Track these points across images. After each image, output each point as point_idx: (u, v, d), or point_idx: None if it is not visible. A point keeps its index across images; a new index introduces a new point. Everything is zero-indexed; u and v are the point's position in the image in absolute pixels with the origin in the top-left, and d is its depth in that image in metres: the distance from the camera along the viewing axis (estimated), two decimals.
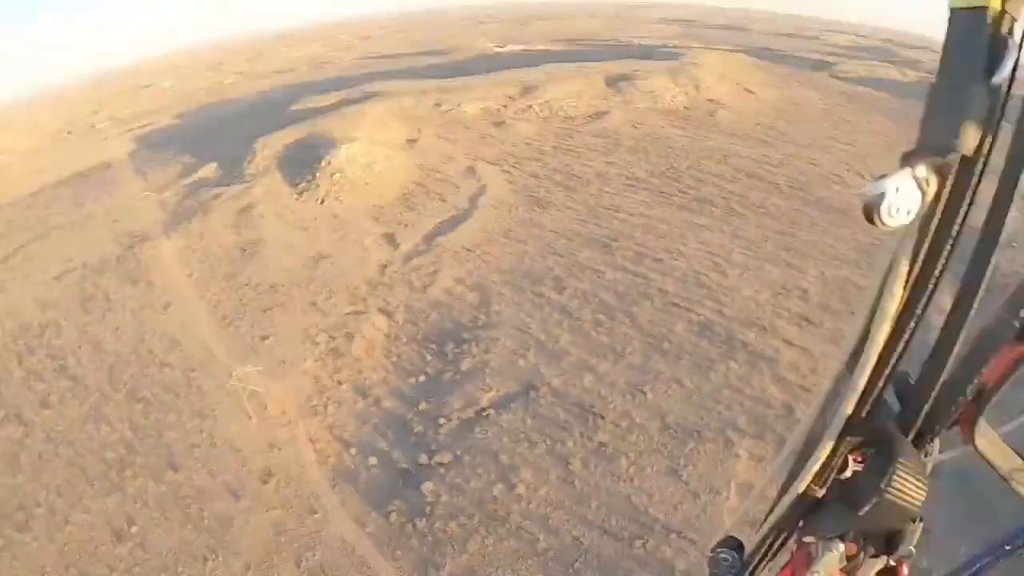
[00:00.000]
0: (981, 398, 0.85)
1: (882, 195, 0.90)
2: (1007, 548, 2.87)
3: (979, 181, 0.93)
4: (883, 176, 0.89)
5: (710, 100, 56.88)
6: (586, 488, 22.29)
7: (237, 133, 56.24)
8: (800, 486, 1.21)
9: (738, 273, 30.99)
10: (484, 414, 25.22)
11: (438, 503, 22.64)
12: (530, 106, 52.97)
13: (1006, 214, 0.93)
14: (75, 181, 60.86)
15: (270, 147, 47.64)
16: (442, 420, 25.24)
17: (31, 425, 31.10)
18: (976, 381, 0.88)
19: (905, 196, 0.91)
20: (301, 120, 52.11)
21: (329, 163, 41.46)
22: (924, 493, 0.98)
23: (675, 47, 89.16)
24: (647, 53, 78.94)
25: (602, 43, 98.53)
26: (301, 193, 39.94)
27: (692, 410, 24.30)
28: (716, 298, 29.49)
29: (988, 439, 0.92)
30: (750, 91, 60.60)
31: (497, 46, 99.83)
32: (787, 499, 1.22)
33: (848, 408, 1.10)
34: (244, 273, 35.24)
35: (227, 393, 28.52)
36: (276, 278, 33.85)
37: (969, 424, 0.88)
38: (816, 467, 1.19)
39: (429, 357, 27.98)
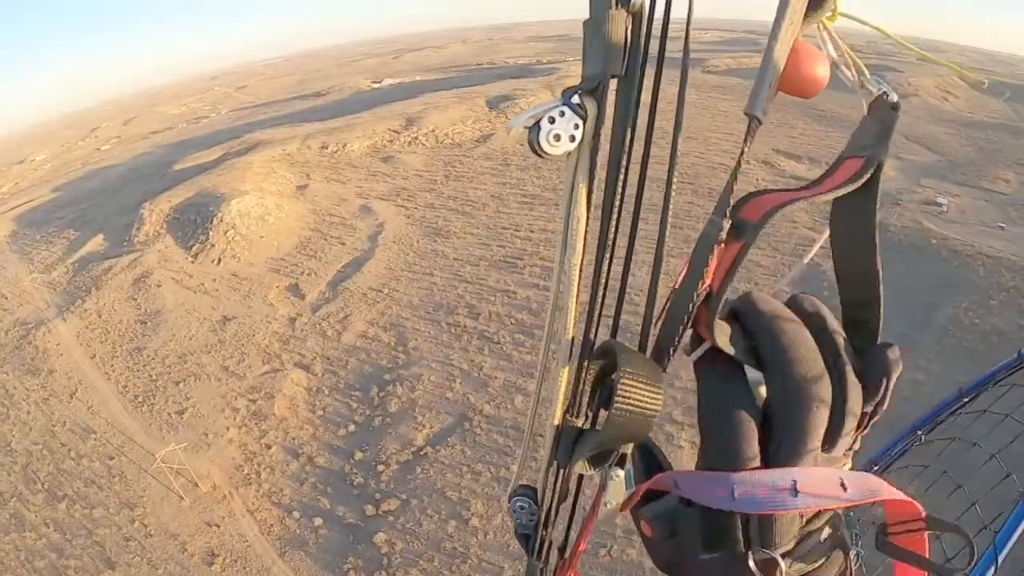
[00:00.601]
0: (710, 300, 0.94)
1: (537, 127, 0.91)
2: (919, 434, 3.33)
3: (638, 97, 0.98)
4: (531, 109, 0.92)
5: None
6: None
7: (121, 200, 54.03)
8: (554, 419, 1.16)
9: (644, 273, 32.04)
10: (422, 453, 25.21)
11: (394, 552, 22.52)
12: (416, 137, 53.24)
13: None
14: None
15: (157, 211, 45.97)
16: (380, 467, 25.06)
17: None
18: (701, 284, 0.94)
19: (563, 123, 0.93)
20: (186, 179, 50.53)
21: (221, 220, 40.46)
22: (657, 400, 0.98)
23: (549, 63, 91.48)
24: (523, 72, 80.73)
25: (477, 67, 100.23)
26: (196, 255, 38.75)
27: None
28: (628, 299, 30.31)
29: (725, 334, 0.96)
30: None
31: (374, 82, 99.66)
32: (549, 434, 1.18)
33: (568, 332, 1.12)
34: (149, 347, 33.82)
35: (153, 476, 27.39)
36: (184, 347, 32.68)
37: (705, 326, 0.95)
38: (560, 396, 1.15)
39: (355, 405, 27.70)
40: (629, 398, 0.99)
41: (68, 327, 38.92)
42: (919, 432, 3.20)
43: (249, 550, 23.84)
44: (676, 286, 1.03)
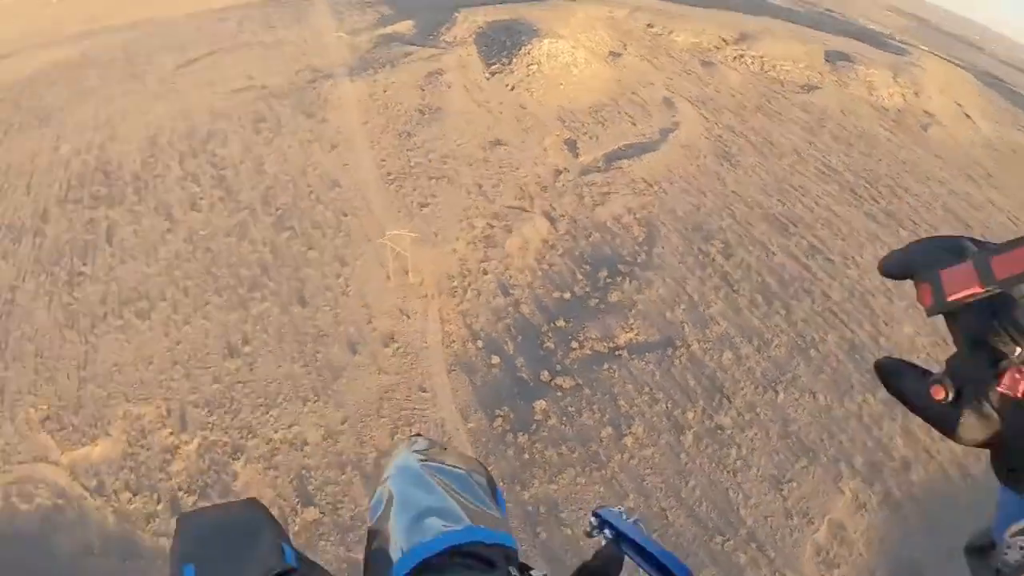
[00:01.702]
0: None
1: None
2: None
3: None
4: None
5: (926, 112, 51.21)
6: (690, 465, 21.11)
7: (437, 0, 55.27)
8: None
9: (905, 305, 28.17)
10: (617, 353, 24.06)
11: (545, 424, 21.97)
12: (742, 55, 49.14)
13: None
14: (268, 4, 61.82)
15: (471, 20, 46.25)
16: (574, 344, 24.23)
17: (177, 223, 32.07)
18: None
19: None
20: (509, 1, 50.50)
21: (529, 52, 39.80)
22: None
23: (900, 41, 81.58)
24: (870, 38, 72.31)
25: (826, 12, 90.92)
26: (493, 74, 38.51)
27: (816, 429, 22.48)
28: (876, 324, 26.93)
29: None
30: (968, 117, 54.50)
31: None
32: None
33: None
34: (419, 136, 34.55)
35: (373, 247, 28.33)
36: (448, 150, 32.98)
37: None
38: None
39: (580, 277, 26.78)
40: None
41: (354, 88, 40.68)
42: None
43: (424, 351, 24.25)
44: None
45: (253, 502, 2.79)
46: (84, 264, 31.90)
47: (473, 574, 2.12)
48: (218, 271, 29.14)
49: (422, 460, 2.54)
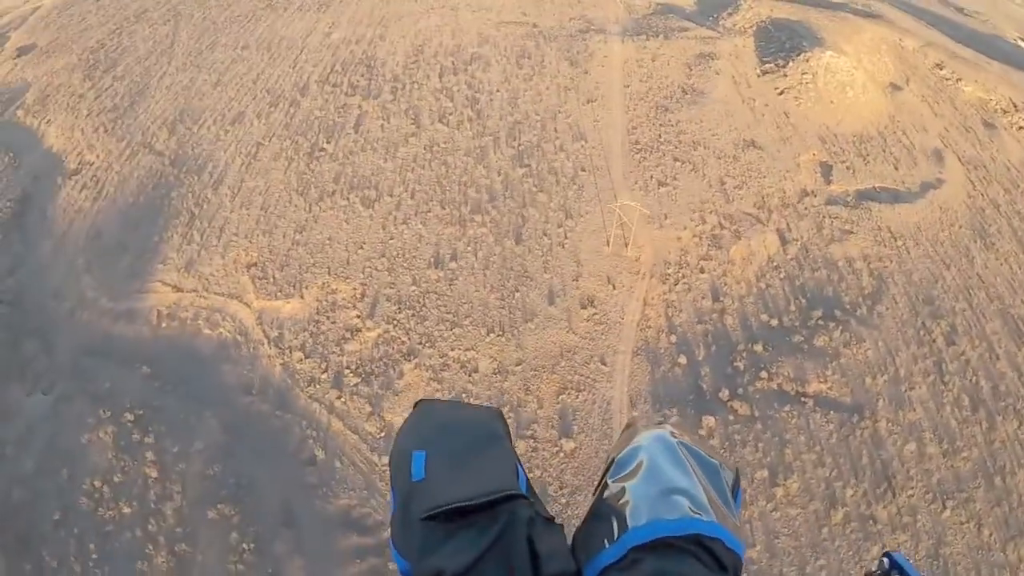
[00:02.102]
0: None
1: None
2: None
3: None
4: None
5: None
6: (828, 543, 20.03)
7: None
8: None
9: None
10: (803, 400, 23.00)
11: (711, 436, 21.85)
12: None
13: None
14: None
15: (755, 11, 44.43)
16: (764, 374, 23.48)
17: (422, 129, 33.78)
18: None
19: None
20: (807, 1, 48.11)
21: (807, 60, 37.87)
22: None
23: None
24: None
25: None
26: (764, 73, 37.08)
27: (967, 563, 20.40)
28: None
29: None
30: None
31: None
32: None
33: None
34: (675, 114, 34.04)
35: (600, 210, 28.71)
36: (701, 137, 32.28)
37: None
38: None
39: (793, 308, 25.73)
40: None
41: (622, 49, 40.54)
42: None
43: (617, 325, 24.56)
44: None
45: (498, 413, 2.89)
46: (327, 142, 34.38)
47: (709, 573, 2.18)
48: (448, 185, 30.58)
49: (677, 440, 2.61)
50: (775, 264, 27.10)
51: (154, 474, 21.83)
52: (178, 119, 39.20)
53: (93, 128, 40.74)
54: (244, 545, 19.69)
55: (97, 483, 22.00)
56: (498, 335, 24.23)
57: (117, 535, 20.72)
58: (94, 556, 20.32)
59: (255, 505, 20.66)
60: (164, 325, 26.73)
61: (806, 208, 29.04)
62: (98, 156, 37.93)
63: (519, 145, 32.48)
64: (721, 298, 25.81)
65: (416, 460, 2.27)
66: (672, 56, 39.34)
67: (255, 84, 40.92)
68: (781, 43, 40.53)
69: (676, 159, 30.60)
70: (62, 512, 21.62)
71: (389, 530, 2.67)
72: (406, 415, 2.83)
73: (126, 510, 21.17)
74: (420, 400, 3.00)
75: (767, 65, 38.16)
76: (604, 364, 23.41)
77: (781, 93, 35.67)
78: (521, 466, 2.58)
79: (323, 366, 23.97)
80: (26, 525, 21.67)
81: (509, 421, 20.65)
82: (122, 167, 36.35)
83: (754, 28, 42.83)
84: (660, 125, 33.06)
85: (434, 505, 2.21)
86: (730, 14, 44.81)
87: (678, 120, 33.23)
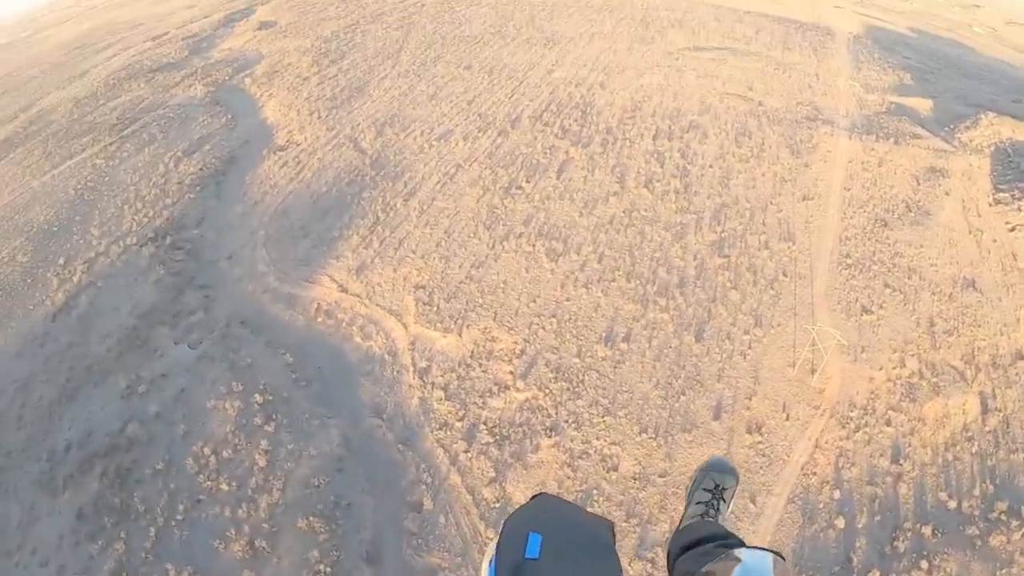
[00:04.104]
0: None
1: None
2: None
3: None
4: None
5: None
6: None
7: (965, 91, 50.15)
8: None
9: None
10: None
11: None
12: None
13: None
14: (790, 23, 60.55)
15: (995, 128, 41.33)
16: (924, 563, 19.85)
17: (625, 191, 35.06)
18: None
19: None
20: None
21: None
22: None
23: None
24: None
25: None
26: (997, 202, 34.21)
27: None
28: None
29: None
30: None
31: None
32: None
33: None
34: (894, 232, 31.96)
35: (795, 326, 27.06)
36: (917, 263, 29.88)
37: None
38: None
39: (976, 493, 21.54)
40: None
41: (849, 147, 38.99)
42: None
43: (779, 464, 22.40)
44: None
45: (611, 525, 3.00)
46: (527, 181, 34.78)
47: None
48: (639, 257, 29.99)
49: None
50: (970, 434, 23.49)
51: (262, 463, 22.41)
52: (388, 123, 41.47)
53: (308, 112, 43.82)
54: (321, 567, 19.45)
55: (207, 450, 23.04)
56: (650, 437, 22.63)
57: (207, 506, 21.42)
58: (179, 517, 21.15)
59: (347, 531, 20.41)
60: (320, 320, 27.87)
61: (1018, 374, 26.23)
62: (306, 139, 40.71)
63: (722, 231, 31.85)
64: (901, 460, 22.47)
65: (532, 540, 2.37)
66: (900, 164, 37.43)
67: (469, 106, 42.62)
68: (1021, 171, 37.76)
69: (887, 284, 28.63)
70: (166, 464, 22.78)
71: None
72: (529, 493, 3.11)
73: (224, 487, 21.90)
74: (542, 492, 3.25)
75: (1001, 194, 35.57)
76: (753, 503, 21.06)
77: (1013, 229, 33.07)
78: None
79: (460, 413, 23.41)
80: (129, 462, 23.12)
81: (633, 536, 19.95)
82: (324, 155, 38.82)
83: (992, 148, 39.98)
84: (876, 241, 31.10)
85: None
86: (967, 128, 42.08)
87: (896, 239, 31.13)
